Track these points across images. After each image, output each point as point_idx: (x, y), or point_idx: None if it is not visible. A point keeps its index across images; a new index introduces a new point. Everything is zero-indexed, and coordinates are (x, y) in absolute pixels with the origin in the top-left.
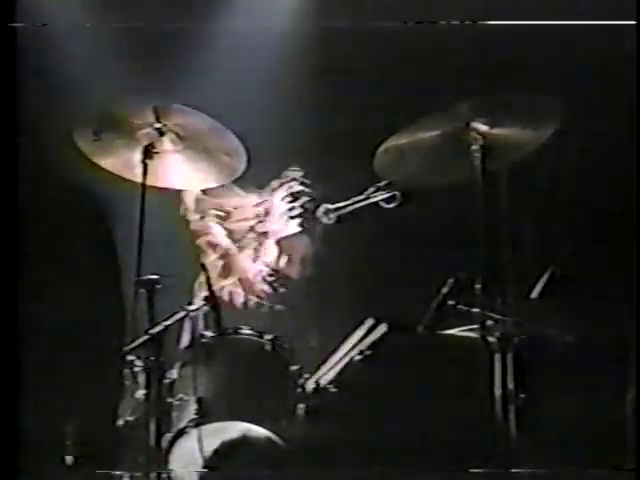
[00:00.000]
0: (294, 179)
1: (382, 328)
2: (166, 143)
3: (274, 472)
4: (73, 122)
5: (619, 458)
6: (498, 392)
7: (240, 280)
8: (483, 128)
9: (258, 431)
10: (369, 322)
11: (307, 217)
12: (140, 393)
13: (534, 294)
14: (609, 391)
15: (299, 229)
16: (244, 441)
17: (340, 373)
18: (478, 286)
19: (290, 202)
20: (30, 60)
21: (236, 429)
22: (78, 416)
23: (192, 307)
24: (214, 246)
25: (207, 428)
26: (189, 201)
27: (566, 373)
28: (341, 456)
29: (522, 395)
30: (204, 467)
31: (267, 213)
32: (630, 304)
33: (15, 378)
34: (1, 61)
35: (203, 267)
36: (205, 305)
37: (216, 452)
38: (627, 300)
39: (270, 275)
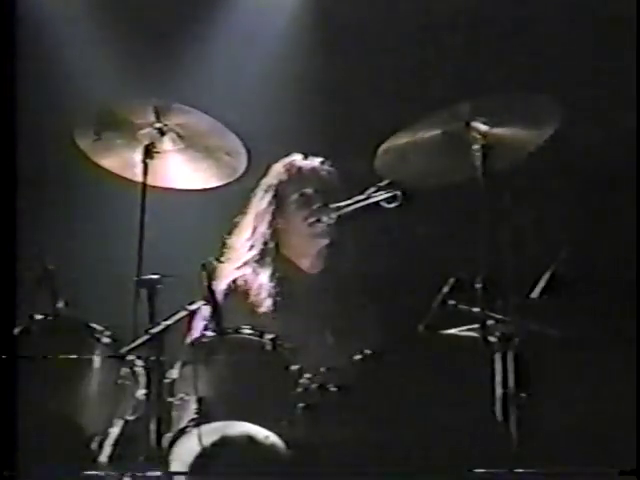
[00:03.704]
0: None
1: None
2: (167, 143)
3: (274, 472)
4: (73, 121)
5: (620, 458)
6: (499, 392)
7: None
8: (483, 128)
9: (258, 431)
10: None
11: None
12: (140, 393)
13: (535, 294)
14: (609, 390)
15: None
16: (244, 441)
17: (341, 373)
18: (479, 286)
19: None
20: (30, 58)
21: (236, 429)
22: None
23: (193, 307)
24: None
25: (207, 428)
26: None
27: (566, 373)
28: (341, 456)
29: (523, 395)
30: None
31: None
32: (631, 303)
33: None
34: (1, 59)
35: (204, 267)
36: (205, 305)
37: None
38: (628, 299)
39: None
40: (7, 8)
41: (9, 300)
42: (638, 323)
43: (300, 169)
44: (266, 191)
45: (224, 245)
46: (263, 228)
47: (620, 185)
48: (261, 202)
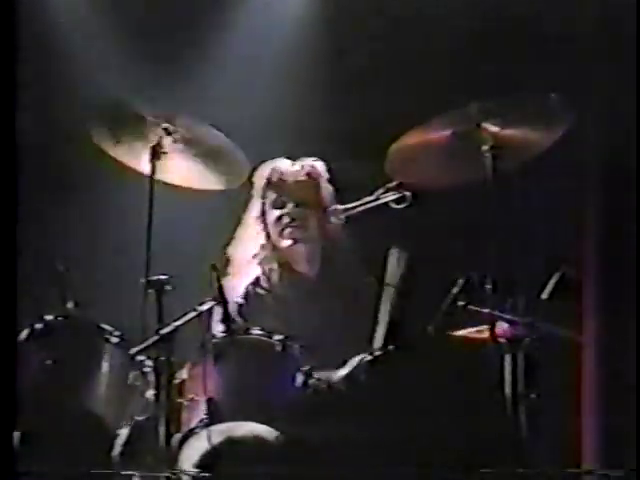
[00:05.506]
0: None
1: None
2: (174, 144)
3: (284, 472)
4: (82, 120)
5: (624, 458)
6: (508, 392)
7: None
8: (494, 129)
9: (268, 431)
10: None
11: None
12: (150, 393)
13: (545, 294)
14: (619, 391)
15: None
16: (253, 441)
17: (351, 373)
18: (488, 286)
19: None
20: (32, 58)
21: (245, 429)
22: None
23: (203, 307)
24: None
25: (217, 428)
26: None
27: (576, 373)
28: (352, 456)
29: (532, 395)
30: (210, 466)
31: None
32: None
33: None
34: (1, 58)
35: (214, 267)
36: (216, 305)
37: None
38: (636, 300)
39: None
40: (8, 8)
41: (14, 301)
42: (638, 323)
43: (284, 183)
44: (256, 202)
45: (226, 259)
46: (261, 241)
47: (631, 185)
48: (253, 219)
